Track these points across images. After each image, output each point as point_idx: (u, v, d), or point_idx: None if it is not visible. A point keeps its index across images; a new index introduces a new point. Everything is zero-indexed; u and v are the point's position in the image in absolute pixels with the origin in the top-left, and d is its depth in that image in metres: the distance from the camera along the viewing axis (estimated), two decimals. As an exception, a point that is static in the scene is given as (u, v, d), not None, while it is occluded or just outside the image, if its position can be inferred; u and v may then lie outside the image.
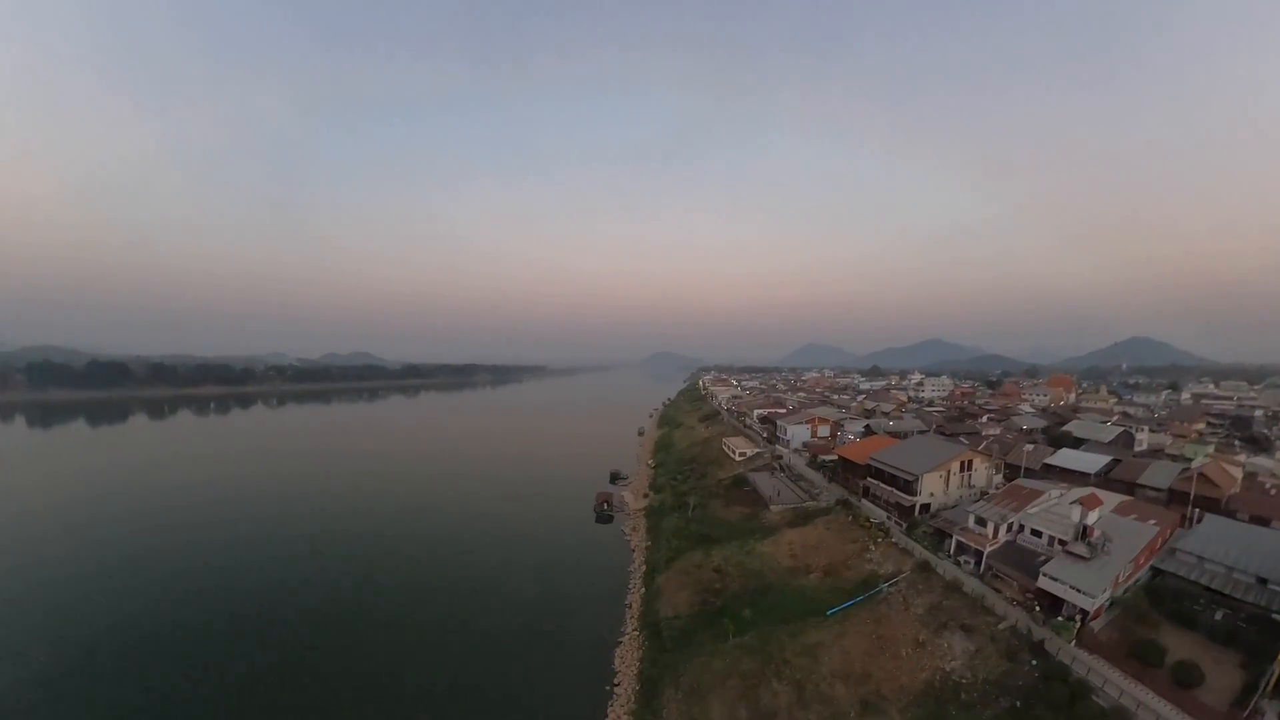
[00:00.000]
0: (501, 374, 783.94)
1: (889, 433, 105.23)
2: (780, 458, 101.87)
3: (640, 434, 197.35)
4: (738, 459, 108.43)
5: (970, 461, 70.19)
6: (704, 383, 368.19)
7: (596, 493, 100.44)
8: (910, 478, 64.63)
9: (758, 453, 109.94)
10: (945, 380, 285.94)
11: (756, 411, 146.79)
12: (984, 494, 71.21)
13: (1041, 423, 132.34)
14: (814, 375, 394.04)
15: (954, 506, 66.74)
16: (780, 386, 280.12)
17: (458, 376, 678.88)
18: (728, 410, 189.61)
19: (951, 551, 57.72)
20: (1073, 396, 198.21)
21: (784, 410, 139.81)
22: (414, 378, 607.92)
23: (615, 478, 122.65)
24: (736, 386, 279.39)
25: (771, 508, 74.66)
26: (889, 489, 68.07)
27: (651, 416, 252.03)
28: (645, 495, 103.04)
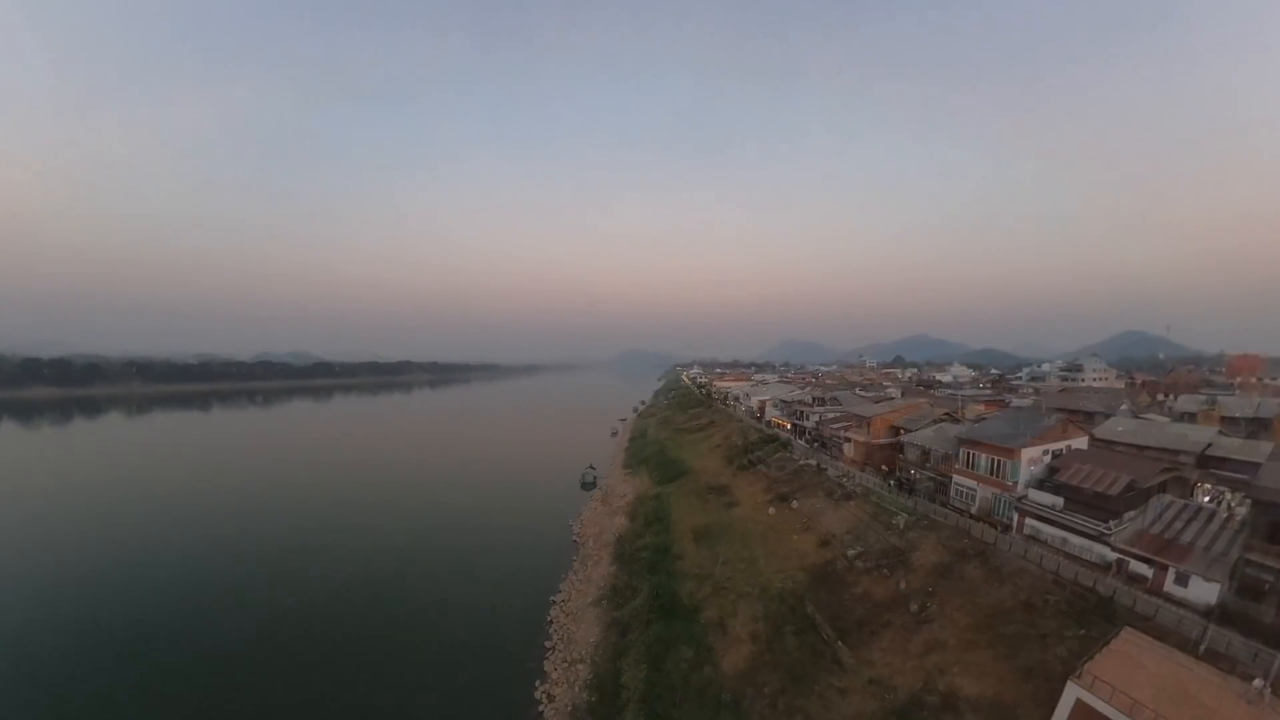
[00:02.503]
0: (443, 373, 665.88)
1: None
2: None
3: (589, 486, 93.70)
4: None
5: None
6: (689, 378, 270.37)
7: None
8: None
9: None
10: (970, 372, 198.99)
11: (917, 431, 46.63)
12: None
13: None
14: (829, 369, 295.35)
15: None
16: (813, 381, 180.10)
17: (386, 376, 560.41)
18: (794, 426, 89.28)
19: None
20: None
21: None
22: (325, 377, 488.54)
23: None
24: (772, 383, 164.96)
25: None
26: None
27: (615, 435, 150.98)
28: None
